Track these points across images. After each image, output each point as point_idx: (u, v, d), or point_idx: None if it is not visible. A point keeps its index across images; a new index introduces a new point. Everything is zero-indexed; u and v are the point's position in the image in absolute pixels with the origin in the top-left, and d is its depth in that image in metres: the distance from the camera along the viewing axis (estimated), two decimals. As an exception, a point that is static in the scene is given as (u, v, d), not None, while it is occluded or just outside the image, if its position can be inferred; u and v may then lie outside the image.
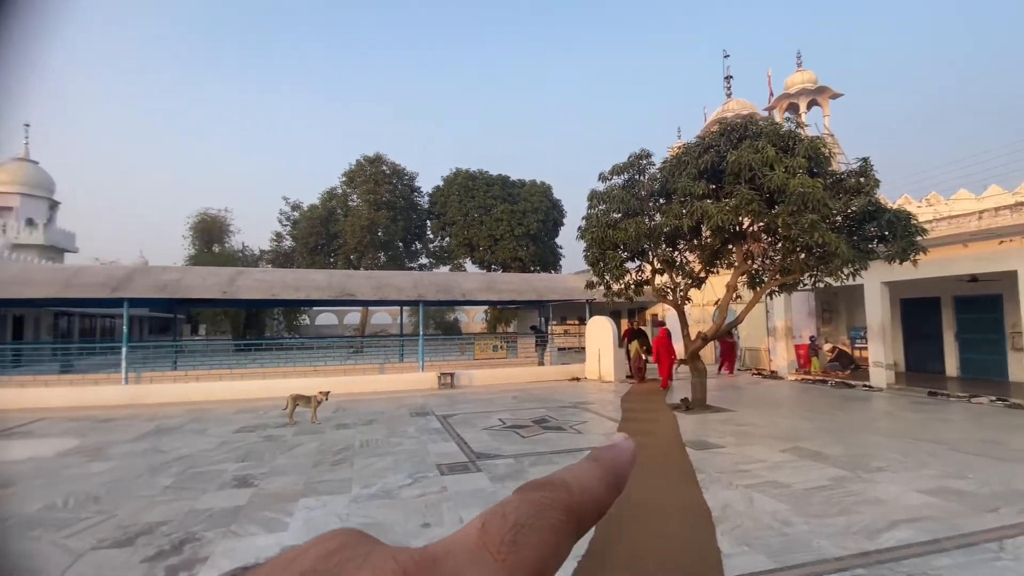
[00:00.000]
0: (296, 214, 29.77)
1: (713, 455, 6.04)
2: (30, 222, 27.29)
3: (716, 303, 11.27)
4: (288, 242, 30.04)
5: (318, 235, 28.42)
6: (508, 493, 0.22)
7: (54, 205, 29.87)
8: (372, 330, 37.48)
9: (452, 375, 12.93)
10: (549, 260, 30.10)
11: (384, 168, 29.58)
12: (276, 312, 31.57)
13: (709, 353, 14.98)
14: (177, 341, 16.96)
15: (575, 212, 71.89)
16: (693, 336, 9.33)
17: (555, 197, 30.51)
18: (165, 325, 35.68)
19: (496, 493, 4.84)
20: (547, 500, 0.20)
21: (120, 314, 26.60)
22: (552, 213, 30.01)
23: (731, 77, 22.41)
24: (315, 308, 37.02)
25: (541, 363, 15.26)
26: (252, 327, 29.94)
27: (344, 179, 29.80)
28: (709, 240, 8.68)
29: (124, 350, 11.57)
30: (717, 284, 10.53)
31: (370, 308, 32.47)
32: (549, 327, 18.33)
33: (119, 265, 18.36)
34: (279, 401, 11.31)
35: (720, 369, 14.82)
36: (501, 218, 28.21)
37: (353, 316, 41.24)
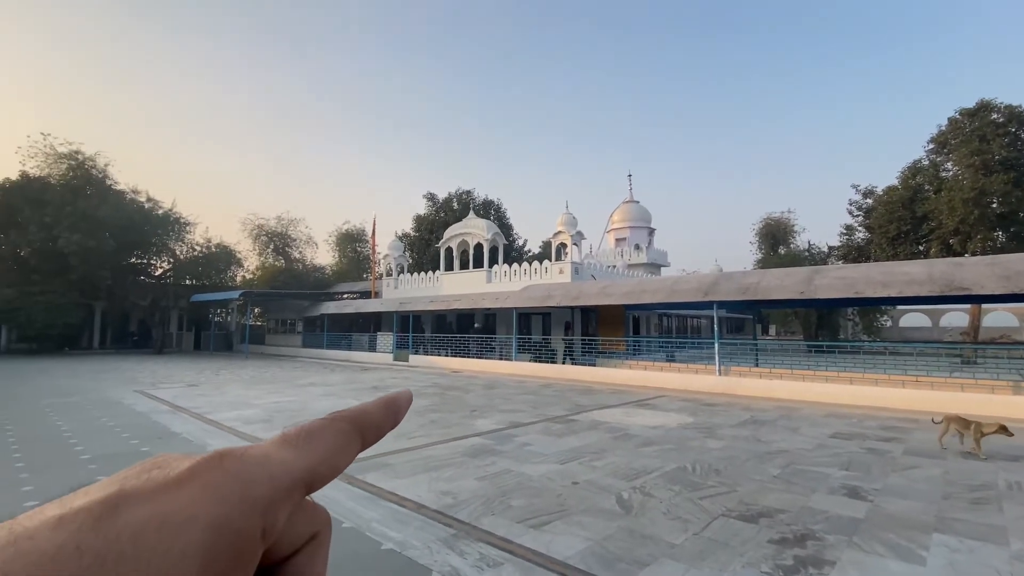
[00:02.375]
0: (869, 201, 26.30)
1: None
2: (637, 247, 36.52)
3: None
4: (861, 234, 26.92)
5: (900, 221, 23.98)
6: None
7: (651, 232, 38.84)
8: (987, 335, 28.12)
9: None
10: None
11: (995, 117, 21.81)
12: (850, 312, 28.86)
13: None
14: (756, 340, 18.19)
15: None
16: None
17: None
18: (738, 325, 39.45)
19: None
20: (337, 416, 0.25)
21: (704, 315, 31.86)
22: None
23: None
24: (899, 308, 31.39)
25: None
26: (824, 328, 28.54)
27: (932, 146, 23.98)
28: None
29: (716, 345, 13.40)
30: None
31: (983, 306, 24.54)
32: None
33: (704, 274, 21.65)
34: (872, 412, 10.06)
35: None
36: None
37: (953, 317, 32.35)
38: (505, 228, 36.42)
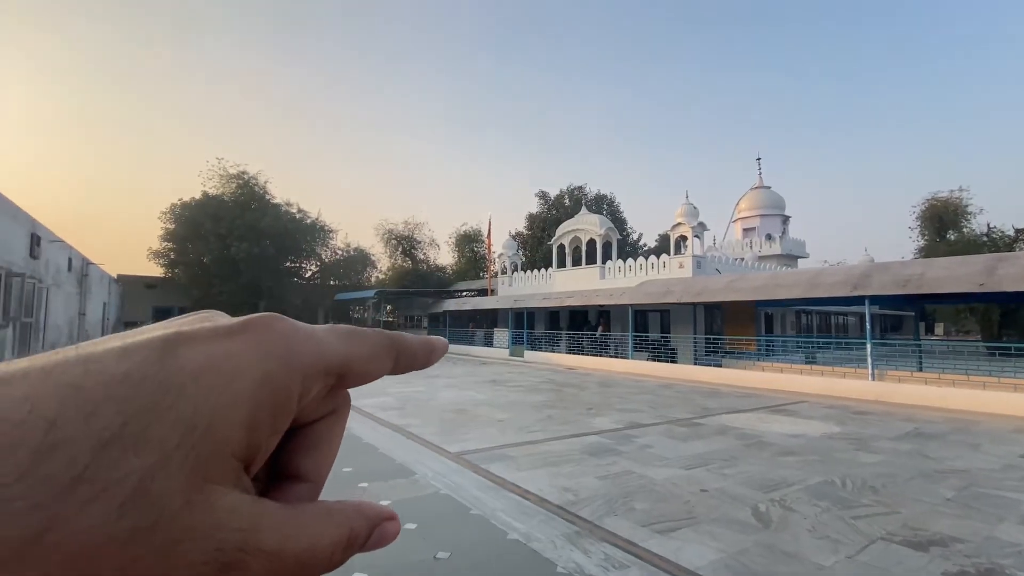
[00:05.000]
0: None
1: None
2: (769, 236, 33.40)
3: None
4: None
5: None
6: None
7: (786, 220, 35.29)
8: None
9: None
10: None
11: None
12: (1048, 308, 23.72)
13: None
14: (919, 340, 15.73)
15: None
16: None
17: None
18: (895, 323, 34.36)
19: None
20: (383, 331, 0.25)
21: (852, 311, 28.09)
22: None
23: None
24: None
25: None
26: (1011, 327, 23.85)
27: None
28: None
29: (869, 346, 11.82)
30: None
31: None
32: None
33: (852, 265, 19.21)
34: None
35: None
36: None
37: None
38: (618, 222, 35.55)
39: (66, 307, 15.97)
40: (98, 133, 75.49)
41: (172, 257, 30.88)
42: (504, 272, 28.59)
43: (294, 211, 33.47)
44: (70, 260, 16.10)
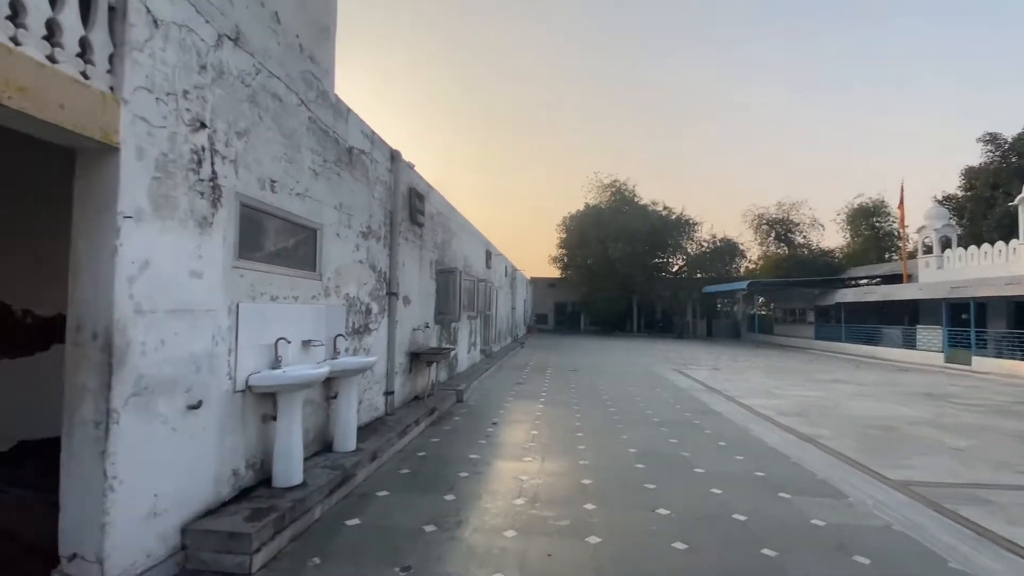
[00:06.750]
0: None
1: None
2: None
3: None
4: None
5: None
6: None
7: None
8: None
9: None
10: None
11: None
12: None
13: None
14: None
15: None
16: None
17: None
18: None
19: None
20: None
21: None
22: None
23: None
24: None
25: None
26: None
27: None
28: None
29: None
30: None
31: None
32: None
33: None
34: None
35: None
36: None
37: None
38: None
39: (504, 303, 21.21)
40: (522, 170, 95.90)
41: (565, 261, 37.14)
42: (928, 250, 21.99)
43: (660, 209, 34.89)
44: (506, 268, 21.30)
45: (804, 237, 35.26)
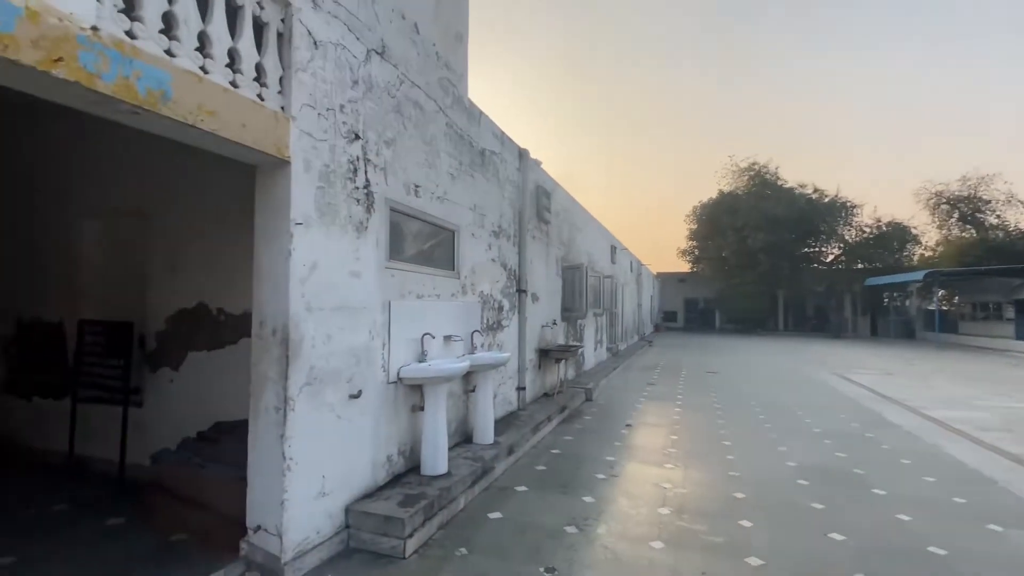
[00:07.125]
0: None
1: None
2: None
3: None
4: None
5: None
6: None
7: None
8: None
9: None
10: None
11: None
12: None
13: None
14: None
15: None
16: None
17: None
18: None
19: None
20: None
21: None
22: None
23: None
24: None
25: None
26: None
27: None
28: None
29: None
30: None
31: None
32: None
33: None
34: None
35: None
36: None
37: None
38: None
39: (630, 299, 20.51)
40: (648, 160, 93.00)
41: (696, 254, 34.74)
42: None
43: (808, 192, 31.09)
44: (631, 263, 20.58)
45: (998, 217, 28.90)
